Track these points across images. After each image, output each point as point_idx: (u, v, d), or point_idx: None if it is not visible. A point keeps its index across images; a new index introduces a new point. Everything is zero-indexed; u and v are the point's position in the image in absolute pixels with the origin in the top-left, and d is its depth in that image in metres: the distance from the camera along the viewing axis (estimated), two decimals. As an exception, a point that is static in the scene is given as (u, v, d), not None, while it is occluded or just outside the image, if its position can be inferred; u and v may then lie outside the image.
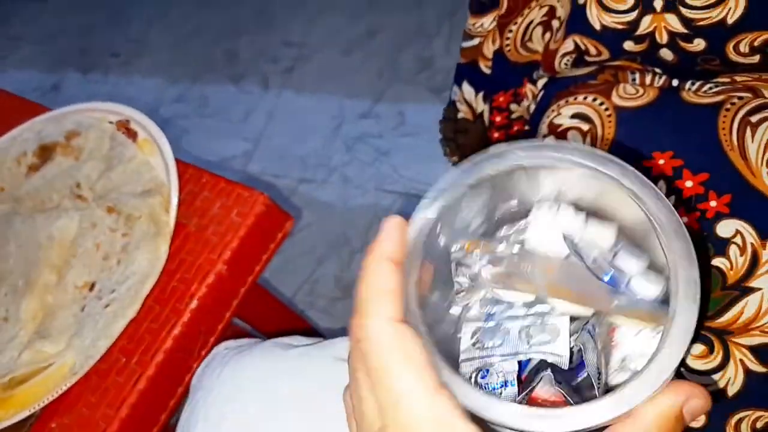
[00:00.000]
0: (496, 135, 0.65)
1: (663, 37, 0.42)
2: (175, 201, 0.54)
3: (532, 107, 0.58)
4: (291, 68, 1.49)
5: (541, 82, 0.57)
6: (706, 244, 0.42)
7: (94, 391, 0.50)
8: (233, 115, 1.44)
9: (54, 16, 1.82)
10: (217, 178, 0.59)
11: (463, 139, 0.64)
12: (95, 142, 0.61)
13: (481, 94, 0.61)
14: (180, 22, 1.65)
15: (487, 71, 0.59)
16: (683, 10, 0.40)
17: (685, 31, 0.41)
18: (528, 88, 0.58)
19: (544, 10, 0.50)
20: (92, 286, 0.53)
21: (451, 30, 1.42)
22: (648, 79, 0.48)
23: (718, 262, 0.42)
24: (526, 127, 0.57)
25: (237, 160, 1.36)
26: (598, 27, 0.44)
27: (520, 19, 0.53)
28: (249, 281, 0.56)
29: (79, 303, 0.53)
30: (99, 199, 0.58)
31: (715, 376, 0.41)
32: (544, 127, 0.53)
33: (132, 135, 0.60)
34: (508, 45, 0.55)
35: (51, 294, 0.55)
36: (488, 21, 0.57)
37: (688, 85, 0.46)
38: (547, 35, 0.53)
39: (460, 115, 0.65)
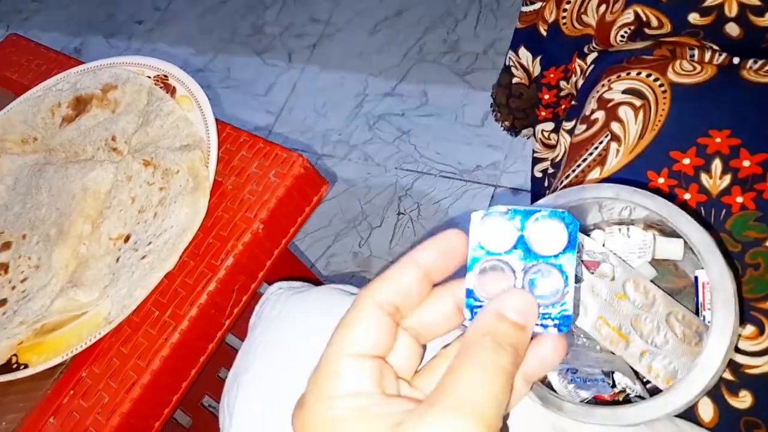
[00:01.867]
0: (543, 113, 0.64)
1: (732, 10, 0.41)
2: (214, 157, 0.53)
3: (580, 82, 0.57)
4: (316, 44, 1.48)
5: (591, 57, 0.56)
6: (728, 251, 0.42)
7: (126, 343, 0.50)
8: (256, 88, 1.44)
9: (79, -21, 1.81)
10: (255, 138, 0.58)
11: (517, 103, 0.63)
12: (132, 96, 0.61)
13: (538, 58, 0.60)
14: (207, -8, 1.64)
15: (545, 35, 0.58)
16: (759, -20, 0.39)
17: (758, 2, 0.40)
18: (577, 63, 0.57)
19: (603, -20, 0.49)
20: (127, 238, 0.53)
21: (478, 15, 1.40)
22: (707, 56, 0.47)
23: (774, 242, 0.41)
24: (573, 103, 0.56)
25: (259, 132, 1.35)
26: (663, -3, 0.43)
27: (578, -11, 0.52)
28: (283, 242, 0.55)
29: (114, 254, 0.52)
30: (135, 152, 0.57)
31: (765, 358, 0.40)
32: (593, 102, 0.52)
33: (170, 90, 0.59)
34: (564, 18, 0.54)
35: (84, 244, 0.54)
36: None
37: (750, 63, 0.45)
38: (603, 7, 0.52)
39: (515, 80, 0.64)
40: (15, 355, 0.49)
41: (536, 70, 0.62)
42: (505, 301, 0.23)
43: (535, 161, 0.70)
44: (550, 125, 0.66)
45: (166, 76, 0.60)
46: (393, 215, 1.19)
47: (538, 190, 0.72)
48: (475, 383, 0.21)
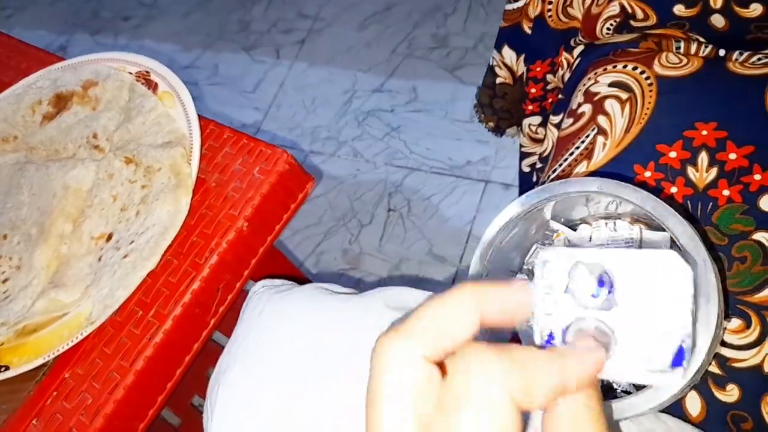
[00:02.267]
0: (530, 107, 0.63)
1: (717, 1, 0.41)
2: (197, 154, 0.52)
3: (567, 75, 0.57)
4: (304, 40, 1.47)
5: (577, 50, 0.56)
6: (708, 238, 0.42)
7: (109, 344, 0.49)
8: (244, 85, 1.42)
9: (63, -24, 1.78)
10: (239, 134, 0.57)
11: (501, 104, 0.63)
12: (113, 93, 0.60)
13: (522, 57, 0.60)
14: (193, -12, 1.62)
15: (530, 32, 0.58)
16: (743, -29, 0.39)
17: (743, -7, 0.40)
18: (564, 57, 0.57)
19: (588, -27, 0.49)
20: (109, 237, 0.52)
21: (468, 9, 1.40)
22: (693, 48, 0.46)
23: (759, 236, 0.41)
24: (560, 96, 0.56)
25: (246, 129, 1.34)
26: (648, -12, 0.43)
27: (563, -19, 0.51)
28: (269, 240, 0.55)
29: (96, 253, 0.52)
30: (117, 150, 0.56)
31: (751, 352, 0.40)
32: (579, 95, 0.51)
33: (152, 86, 0.59)
34: (549, 10, 0.54)
35: (66, 244, 0.53)
36: None
37: (735, 55, 0.45)
38: (588, 0, 0.52)
39: (498, 80, 0.63)
40: (-5, 357, 0.48)
41: (520, 68, 0.62)
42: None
43: (523, 156, 0.70)
44: (537, 119, 0.65)
45: (147, 72, 0.60)
46: (383, 212, 1.18)
47: (526, 185, 0.71)
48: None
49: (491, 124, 0.69)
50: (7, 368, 0.48)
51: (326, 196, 1.23)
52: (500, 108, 0.65)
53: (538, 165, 0.64)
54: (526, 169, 0.71)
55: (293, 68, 1.43)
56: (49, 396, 0.49)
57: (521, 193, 0.78)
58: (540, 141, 0.68)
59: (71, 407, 0.48)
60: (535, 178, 0.66)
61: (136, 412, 0.49)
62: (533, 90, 0.63)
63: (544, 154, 0.60)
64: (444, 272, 1.08)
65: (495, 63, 0.63)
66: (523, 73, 0.66)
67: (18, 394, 0.49)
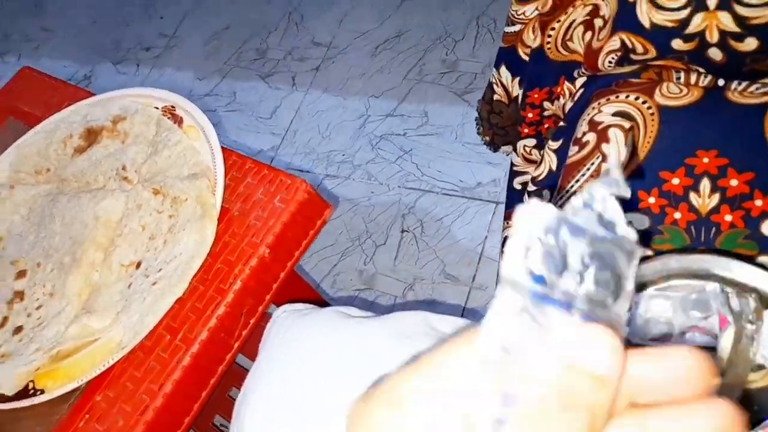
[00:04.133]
0: (526, 130, 0.66)
1: (713, 36, 0.43)
2: (221, 184, 0.55)
3: (569, 105, 0.59)
4: (318, 67, 1.51)
5: (580, 81, 0.58)
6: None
7: (139, 367, 0.52)
8: (261, 111, 1.46)
9: (86, 8, 1.85)
10: (260, 165, 0.60)
11: (497, 120, 0.65)
12: (141, 127, 0.63)
13: (517, 80, 0.62)
14: (211, 19, 1.68)
15: (525, 58, 0.61)
16: (738, 8, 0.41)
17: (738, 30, 0.42)
18: (565, 87, 0.59)
19: (588, 8, 0.51)
20: (138, 265, 0.55)
21: (476, 35, 1.43)
22: (693, 78, 0.48)
23: (763, 260, 0.42)
24: (562, 123, 0.58)
25: (264, 155, 1.38)
26: (647, 24, 0.45)
27: (563, 17, 0.54)
28: (289, 266, 0.57)
29: (125, 281, 0.54)
30: (144, 181, 0.59)
31: None
32: (584, 125, 0.53)
33: (177, 120, 0.62)
34: (549, 44, 0.56)
35: (97, 272, 0.56)
36: (530, 10, 0.58)
37: (734, 85, 0.47)
38: (588, 35, 0.54)
39: (495, 97, 0.66)
40: (32, 380, 0.51)
41: (515, 90, 0.65)
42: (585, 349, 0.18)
43: (515, 174, 0.72)
44: (532, 141, 0.68)
45: (173, 106, 0.63)
46: (397, 233, 1.20)
47: (515, 201, 0.73)
48: None
49: (487, 138, 0.72)
50: (42, 392, 0.50)
51: (341, 218, 1.25)
52: (496, 124, 0.68)
53: (532, 188, 0.66)
54: (517, 187, 0.73)
55: (308, 95, 1.46)
56: (81, 418, 0.51)
57: (507, 208, 0.80)
58: (533, 162, 0.70)
59: (103, 429, 0.50)
60: (525, 197, 0.68)
61: (165, 433, 0.51)
62: (530, 115, 0.65)
63: (539, 178, 0.62)
64: (457, 291, 1.10)
65: (493, 80, 0.66)
66: (518, 95, 0.68)
67: (52, 416, 0.51)
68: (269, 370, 0.43)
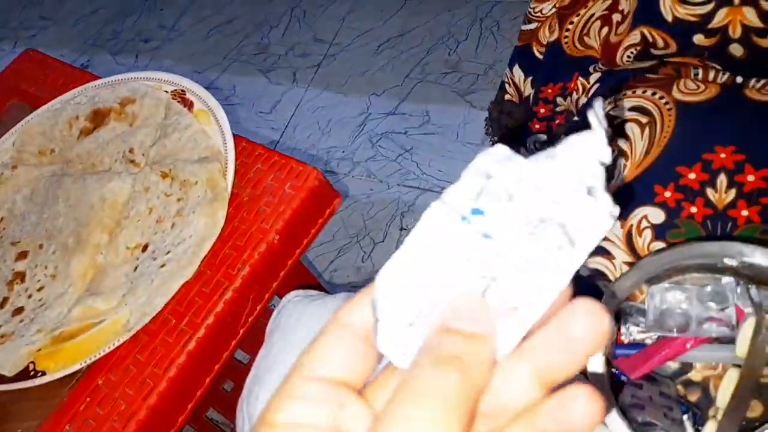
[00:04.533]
0: (537, 126, 0.66)
1: (736, 32, 0.43)
2: (231, 169, 0.54)
3: (582, 100, 0.59)
4: (320, 64, 1.50)
5: (594, 76, 0.58)
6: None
7: (143, 351, 0.51)
8: (261, 106, 1.46)
9: (87, 0, 1.84)
10: (270, 151, 0.59)
11: (506, 121, 0.65)
12: (150, 110, 0.62)
13: (530, 79, 0.62)
14: (213, 13, 1.67)
15: (540, 56, 0.60)
16: (763, 3, 0.41)
17: (762, 25, 0.42)
18: (579, 82, 0.59)
19: (607, 3, 0.51)
20: (145, 247, 0.54)
21: (480, 36, 1.43)
22: (711, 75, 0.49)
23: (778, 254, 0.42)
24: (575, 118, 0.58)
25: (263, 149, 1.38)
26: (670, 18, 0.45)
27: (582, 11, 0.54)
28: (297, 253, 0.56)
29: (132, 263, 0.53)
30: (152, 164, 0.58)
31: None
32: (600, 119, 0.53)
33: (188, 104, 0.61)
34: (566, 38, 0.56)
35: (102, 254, 0.55)
36: (548, 7, 0.58)
37: (752, 82, 0.47)
38: (605, 30, 0.54)
39: (507, 97, 0.66)
40: (32, 362, 0.50)
41: (527, 89, 0.65)
42: (455, 309, 0.19)
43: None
44: (543, 137, 0.68)
45: (183, 91, 0.62)
46: (395, 231, 1.20)
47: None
48: (408, 416, 0.17)
49: (495, 139, 0.72)
50: (43, 373, 0.49)
51: (340, 215, 1.25)
52: (506, 125, 0.68)
53: None
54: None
55: (309, 91, 1.46)
56: (82, 402, 0.50)
57: None
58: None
59: (104, 413, 0.49)
60: None
61: (168, 419, 0.50)
62: (542, 110, 0.65)
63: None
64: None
65: (506, 80, 0.66)
66: (530, 95, 0.68)
67: (52, 399, 0.50)
68: (284, 354, 0.43)
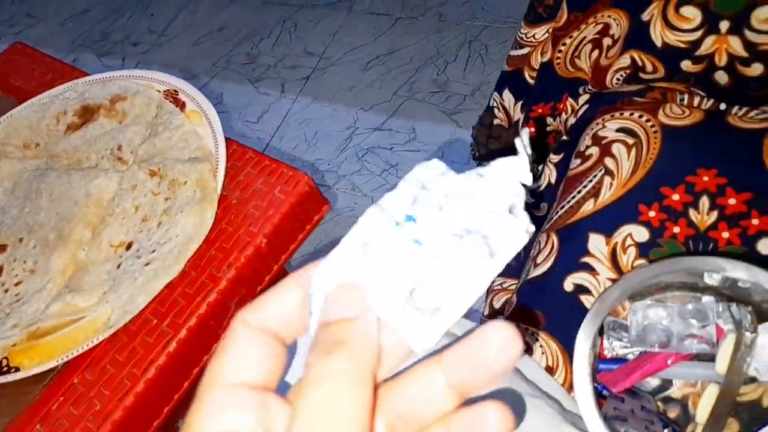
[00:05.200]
0: None
1: (722, 60, 0.45)
2: (222, 171, 0.54)
3: (571, 121, 0.61)
4: (309, 77, 1.51)
5: (584, 98, 0.59)
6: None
7: (122, 351, 0.50)
8: (248, 114, 1.46)
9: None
10: (261, 155, 0.59)
11: (495, 145, 0.66)
12: (141, 108, 0.62)
13: (520, 103, 0.64)
14: (204, 21, 1.67)
15: (531, 81, 0.62)
16: (748, 34, 0.43)
17: (746, 54, 0.44)
18: (568, 103, 0.61)
19: (599, 27, 0.53)
20: (129, 246, 0.53)
21: (468, 58, 1.46)
22: (696, 101, 0.50)
23: (758, 276, 0.43)
24: (564, 138, 0.59)
25: (248, 158, 1.37)
26: (659, 44, 0.47)
27: (575, 33, 0.55)
28: (283, 258, 0.56)
29: (114, 261, 0.52)
30: (141, 162, 0.58)
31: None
32: (588, 139, 0.55)
33: (180, 105, 0.61)
34: (558, 58, 0.58)
35: (84, 250, 0.54)
36: (541, 32, 0.59)
37: (735, 110, 0.49)
38: (596, 53, 0.55)
39: (496, 122, 0.67)
40: (6, 357, 0.48)
41: (516, 114, 0.66)
42: (327, 304, 0.20)
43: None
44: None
45: (176, 91, 0.62)
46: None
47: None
48: (311, 404, 0.18)
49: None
50: (17, 369, 0.48)
51: (323, 227, 1.24)
52: (494, 149, 0.69)
53: (530, 200, 0.67)
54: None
55: (297, 102, 1.46)
56: (56, 401, 0.49)
57: None
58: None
59: (78, 413, 0.48)
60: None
61: (143, 422, 0.49)
62: (532, 129, 0.66)
63: (539, 190, 0.63)
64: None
65: (495, 104, 0.67)
66: (519, 119, 0.69)
67: (24, 397, 0.49)
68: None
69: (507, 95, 0.69)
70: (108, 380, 0.49)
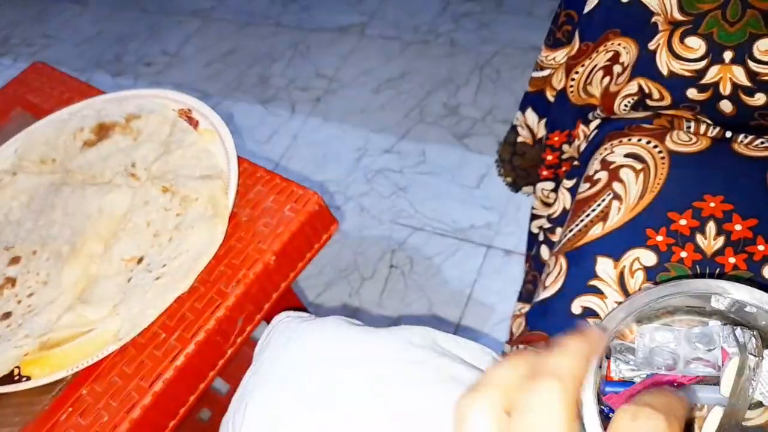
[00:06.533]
0: (545, 173, 0.67)
1: (726, 89, 0.45)
2: (233, 188, 0.55)
3: (583, 146, 0.61)
4: (320, 98, 1.53)
5: (594, 123, 0.60)
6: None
7: (130, 363, 0.50)
8: (258, 135, 1.47)
9: (92, 22, 1.87)
10: (272, 174, 0.60)
11: (519, 161, 0.67)
12: (155, 126, 0.63)
13: (543, 121, 0.64)
14: (217, 43, 1.70)
15: (552, 100, 0.63)
16: (751, 64, 0.44)
17: (749, 84, 0.44)
18: (581, 129, 0.61)
19: (609, 54, 0.54)
20: (140, 260, 0.54)
21: (479, 83, 1.48)
22: (702, 128, 0.51)
23: (764, 302, 0.43)
24: (575, 163, 0.60)
25: (257, 178, 1.39)
26: (665, 72, 0.48)
27: (587, 62, 0.56)
28: (291, 276, 0.57)
29: (125, 275, 0.53)
30: (154, 179, 0.59)
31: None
32: (596, 163, 0.55)
33: (194, 123, 0.62)
34: (572, 86, 0.59)
35: (96, 264, 0.55)
36: (561, 55, 0.60)
37: (740, 137, 0.49)
38: (606, 79, 0.56)
39: (519, 139, 0.67)
40: (18, 366, 0.49)
41: (541, 131, 0.67)
42: None
43: (533, 217, 0.73)
44: (550, 185, 0.69)
45: (190, 110, 0.63)
46: (385, 268, 1.20)
47: (532, 245, 0.74)
48: None
49: (509, 179, 0.73)
50: (28, 379, 0.48)
51: (330, 248, 1.25)
52: (518, 165, 0.69)
53: (546, 225, 0.68)
54: (535, 230, 0.74)
55: (307, 123, 1.48)
56: (64, 411, 0.49)
57: (528, 251, 0.82)
58: (550, 205, 0.72)
59: (86, 424, 0.48)
60: (542, 237, 0.69)
61: (149, 435, 0.50)
62: (549, 157, 0.67)
63: (554, 216, 0.64)
64: (442, 331, 1.09)
65: (518, 123, 0.68)
66: (543, 136, 0.70)
67: (33, 407, 0.49)
68: (272, 374, 0.43)
69: (530, 114, 0.70)
70: (116, 392, 0.49)
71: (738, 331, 0.38)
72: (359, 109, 1.48)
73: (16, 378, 0.48)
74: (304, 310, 0.74)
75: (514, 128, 0.69)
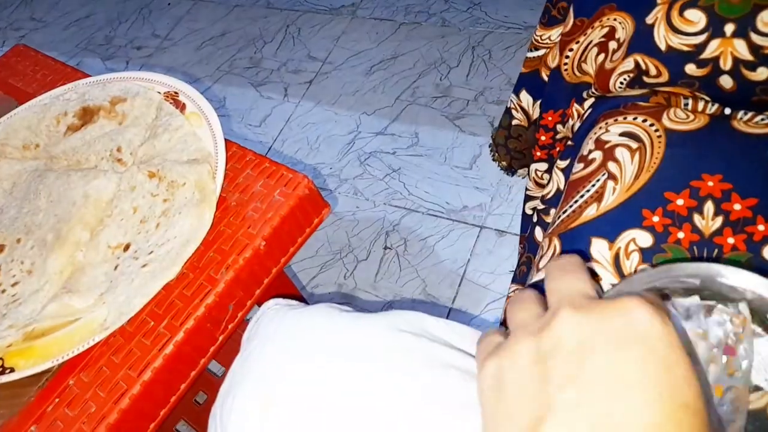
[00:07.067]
0: (538, 153, 0.66)
1: (727, 63, 0.44)
2: (221, 172, 0.54)
3: (577, 125, 0.60)
4: (312, 81, 1.51)
5: (588, 102, 0.59)
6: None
7: (118, 352, 0.49)
8: (250, 118, 1.45)
9: (81, 4, 1.83)
10: (261, 157, 0.59)
11: (515, 144, 0.66)
12: (141, 110, 0.61)
13: (539, 102, 0.63)
14: (208, 26, 1.67)
15: (547, 79, 0.61)
16: (753, 37, 0.42)
17: (751, 58, 0.43)
18: (575, 108, 0.60)
19: (605, 30, 0.52)
20: (127, 247, 0.53)
21: (471, 63, 1.46)
22: (700, 105, 0.49)
23: (763, 282, 0.43)
24: (569, 143, 0.58)
25: (250, 162, 1.37)
26: (663, 47, 0.46)
27: (582, 38, 0.55)
28: (282, 261, 0.56)
29: (112, 262, 0.52)
30: (140, 164, 0.58)
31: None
32: (591, 143, 0.54)
33: (180, 106, 0.60)
34: (566, 64, 0.57)
35: (82, 251, 0.54)
36: (555, 34, 0.59)
37: (740, 114, 0.48)
38: (601, 56, 0.55)
39: (514, 122, 0.66)
40: (1, 358, 0.48)
41: (536, 113, 0.65)
42: None
43: (527, 198, 0.72)
44: (543, 165, 0.68)
45: (176, 92, 0.62)
46: (379, 249, 1.19)
47: (527, 225, 0.73)
48: None
49: (504, 163, 0.72)
50: (12, 370, 0.47)
51: (324, 231, 1.24)
52: (514, 148, 0.68)
53: (540, 206, 0.66)
54: (529, 212, 0.73)
55: (300, 106, 1.46)
56: (50, 402, 0.48)
57: (522, 232, 0.81)
58: (543, 186, 0.71)
59: (73, 415, 0.47)
60: (536, 219, 0.68)
61: (139, 425, 0.49)
62: (543, 137, 0.66)
63: (548, 197, 0.63)
64: (436, 312, 1.08)
65: (512, 106, 0.66)
66: (538, 117, 0.69)
67: (19, 398, 0.48)
68: (260, 363, 0.42)
69: (524, 96, 0.69)
70: (104, 382, 0.48)
71: (722, 306, 0.38)
72: (351, 91, 1.46)
73: (0, 370, 0.47)
74: (297, 294, 0.73)
75: (508, 111, 0.68)
